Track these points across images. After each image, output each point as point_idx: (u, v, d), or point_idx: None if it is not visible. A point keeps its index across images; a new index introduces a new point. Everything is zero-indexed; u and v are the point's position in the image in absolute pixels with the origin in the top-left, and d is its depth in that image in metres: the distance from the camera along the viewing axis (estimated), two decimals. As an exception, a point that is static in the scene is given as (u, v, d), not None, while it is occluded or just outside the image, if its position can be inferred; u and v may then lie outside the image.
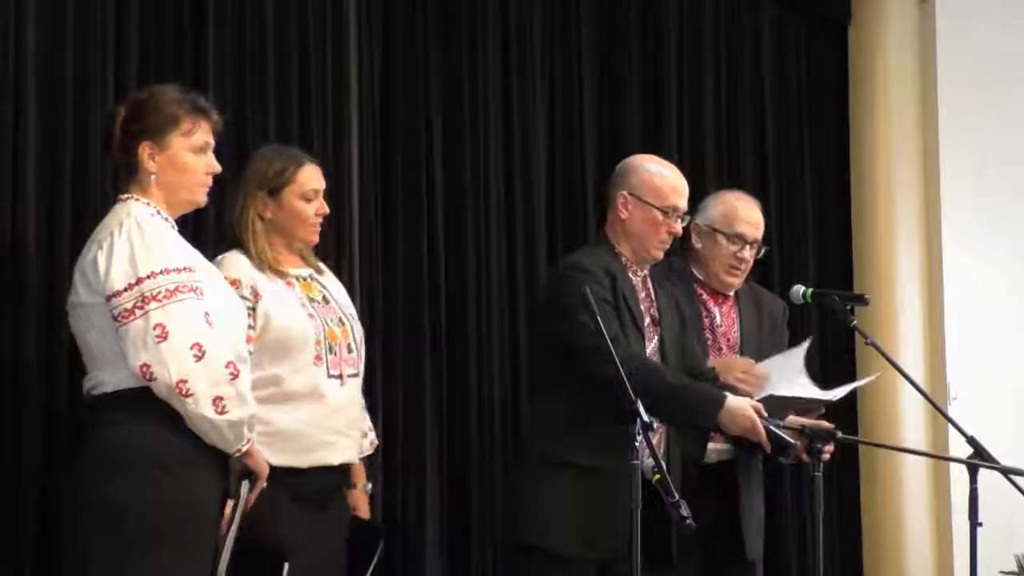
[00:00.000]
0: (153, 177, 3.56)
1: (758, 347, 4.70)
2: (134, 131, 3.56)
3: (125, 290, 3.38)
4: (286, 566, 3.72)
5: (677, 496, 3.57)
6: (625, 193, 4.34)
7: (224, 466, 3.51)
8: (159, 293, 3.38)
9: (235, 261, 3.95)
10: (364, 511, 4.22)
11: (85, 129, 4.20)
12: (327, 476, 4.02)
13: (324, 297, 4.09)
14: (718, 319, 4.67)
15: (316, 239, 4.14)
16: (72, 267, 4.08)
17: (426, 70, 5.23)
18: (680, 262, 4.75)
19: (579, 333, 4.04)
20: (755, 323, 4.73)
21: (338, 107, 4.90)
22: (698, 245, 4.70)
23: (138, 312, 3.37)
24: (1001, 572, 5.88)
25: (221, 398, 3.39)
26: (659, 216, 4.32)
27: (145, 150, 3.55)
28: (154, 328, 3.35)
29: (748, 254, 4.68)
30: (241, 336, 3.63)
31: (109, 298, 3.40)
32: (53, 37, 4.19)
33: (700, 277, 4.71)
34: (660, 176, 4.37)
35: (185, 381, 3.36)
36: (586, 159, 5.63)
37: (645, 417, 3.64)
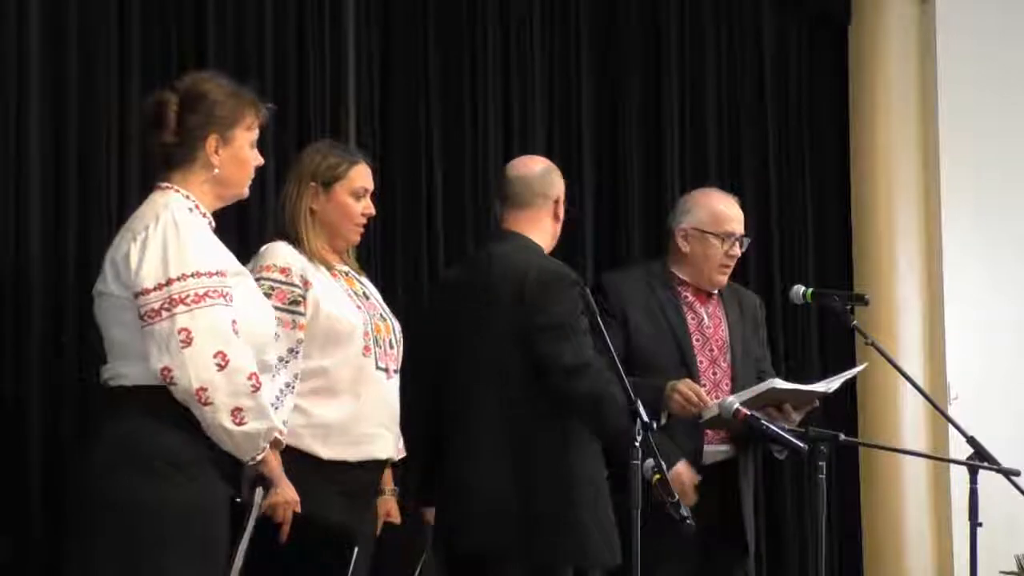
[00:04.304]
0: (216, 171, 3.49)
1: (745, 345, 4.69)
2: (196, 122, 3.46)
3: (154, 289, 3.32)
4: (355, 551, 3.68)
5: (676, 496, 3.58)
6: None
7: (233, 472, 3.48)
8: (187, 297, 3.32)
9: (283, 249, 3.95)
10: (397, 516, 4.18)
11: (88, 127, 4.21)
12: (371, 472, 4.01)
13: (365, 293, 4.10)
14: (706, 320, 4.66)
15: (358, 239, 4.13)
16: (75, 262, 4.12)
17: (426, 70, 5.23)
18: (658, 266, 4.73)
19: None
20: (739, 321, 4.73)
21: (335, 110, 4.91)
22: (686, 249, 4.66)
23: (164, 314, 3.31)
24: (1001, 572, 5.89)
25: (240, 409, 3.34)
26: None
27: (212, 143, 3.48)
28: (179, 332, 3.29)
29: (738, 250, 4.69)
30: (268, 342, 3.57)
31: (137, 295, 3.34)
32: (55, 38, 4.19)
33: (684, 279, 4.69)
34: None
35: (205, 389, 3.30)
36: (584, 160, 5.63)
37: (645, 417, 3.65)
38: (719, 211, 4.68)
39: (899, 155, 6.36)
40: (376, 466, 4.02)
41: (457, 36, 5.32)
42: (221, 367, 3.31)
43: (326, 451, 3.86)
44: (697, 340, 4.60)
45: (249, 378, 3.35)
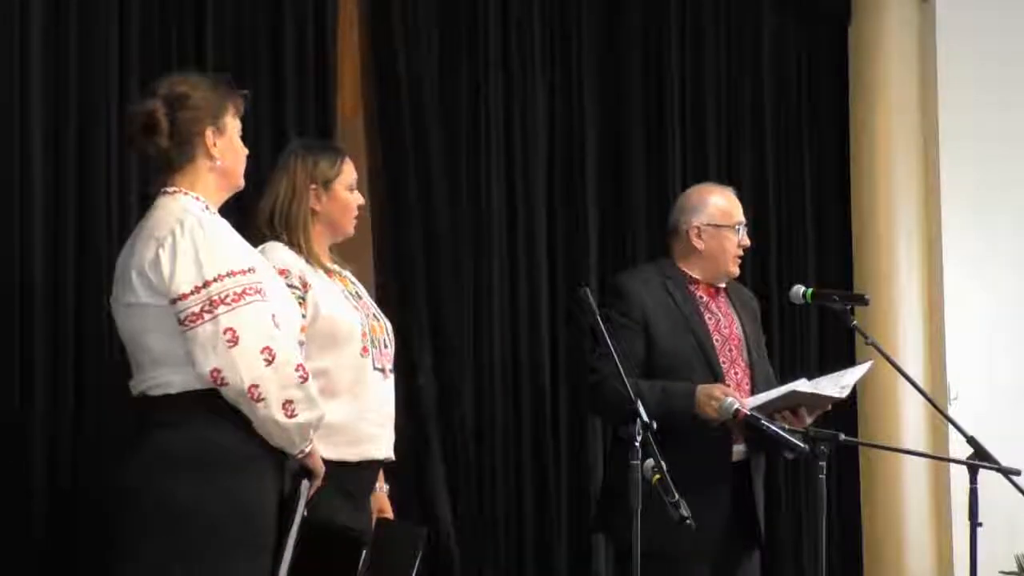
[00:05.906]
0: (218, 163, 3.49)
1: (756, 340, 4.70)
2: (188, 119, 3.46)
3: (192, 293, 3.31)
4: (364, 553, 3.68)
5: (676, 496, 3.58)
6: None
7: (281, 466, 3.47)
8: (227, 296, 3.31)
9: (281, 251, 3.94)
10: (390, 512, 4.19)
11: (89, 127, 4.23)
12: (370, 471, 4.02)
13: (357, 293, 4.10)
14: (722, 319, 4.66)
15: (353, 231, 4.16)
16: (75, 262, 4.12)
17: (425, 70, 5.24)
18: (667, 265, 4.72)
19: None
20: (747, 316, 4.74)
21: (335, 108, 4.92)
22: (701, 246, 4.66)
23: (206, 316, 3.30)
24: (1001, 572, 5.89)
25: (291, 401, 3.35)
26: None
27: (209, 136, 3.48)
28: (224, 332, 3.29)
29: (746, 239, 4.71)
30: (297, 332, 3.58)
31: (174, 301, 3.32)
32: (56, 38, 4.20)
33: (696, 276, 4.68)
34: None
35: (257, 386, 3.30)
36: (586, 160, 5.63)
37: (645, 417, 3.65)
38: (726, 204, 4.71)
39: (899, 155, 6.36)
40: (375, 466, 4.03)
41: (456, 35, 5.32)
42: (269, 362, 3.32)
43: (328, 451, 3.86)
44: (717, 340, 4.60)
45: (296, 369, 3.37)
